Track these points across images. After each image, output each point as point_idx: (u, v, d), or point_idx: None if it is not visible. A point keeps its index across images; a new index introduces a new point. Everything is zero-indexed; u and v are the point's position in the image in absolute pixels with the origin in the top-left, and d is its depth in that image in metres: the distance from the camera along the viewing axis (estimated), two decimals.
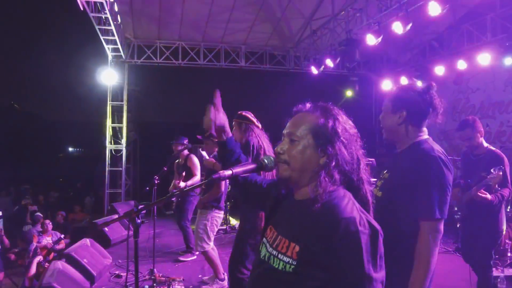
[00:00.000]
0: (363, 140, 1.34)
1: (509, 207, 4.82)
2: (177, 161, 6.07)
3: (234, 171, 1.28)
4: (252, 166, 1.34)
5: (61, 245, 6.11)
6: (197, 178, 5.75)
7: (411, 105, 2.02)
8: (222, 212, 4.71)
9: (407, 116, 2.03)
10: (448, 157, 1.98)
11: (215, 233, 4.69)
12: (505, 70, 7.76)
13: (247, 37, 9.99)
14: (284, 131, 1.35)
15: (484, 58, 7.80)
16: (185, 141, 5.94)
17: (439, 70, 9.27)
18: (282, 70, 10.83)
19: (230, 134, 1.69)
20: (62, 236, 6.34)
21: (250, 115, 3.58)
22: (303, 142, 1.27)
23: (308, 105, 1.35)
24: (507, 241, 4.86)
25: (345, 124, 1.30)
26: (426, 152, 1.94)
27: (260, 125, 3.61)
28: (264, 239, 1.39)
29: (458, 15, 8.95)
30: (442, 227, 1.87)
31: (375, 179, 2.28)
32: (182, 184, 5.63)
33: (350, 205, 1.19)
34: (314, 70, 9.22)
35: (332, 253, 1.13)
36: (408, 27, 6.20)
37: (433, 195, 1.85)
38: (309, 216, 1.21)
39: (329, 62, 8.53)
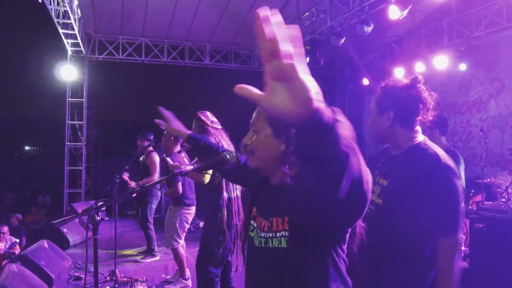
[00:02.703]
0: None
1: (463, 204, 5.05)
2: (141, 157, 5.93)
3: (195, 166, 1.28)
4: (214, 161, 1.34)
5: (16, 251, 5.83)
6: (154, 178, 5.58)
7: (397, 104, 1.84)
8: (193, 207, 4.65)
9: (395, 117, 1.85)
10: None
11: (185, 230, 4.63)
12: (460, 73, 8.14)
13: (212, 35, 9.93)
14: (251, 122, 1.39)
15: (440, 61, 8.15)
16: (151, 137, 5.80)
17: (399, 72, 9.59)
18: (247, 69, 10.85)
19: (189, 131, 1.93)
20: (17, 240, 6.05)
21: (206, 116, 3.64)
22: (263, 132, 1.32)
23: None
24: (461, 235, 5.09)
25: None
26: (434, 161, 1.76)
27: (217, 125, 3.67)
28: (253, 228, 1.42)
29: (417, 19, 9.29)
30: (460, 238, 1.74)
31: None
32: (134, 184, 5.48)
33: None
34: None
35: None
36: (370, 29, 6.38)
37: (452, 210, 1.72)
38: (288, 191, 1.26)
39: None
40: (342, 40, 7.11)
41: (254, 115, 1.37)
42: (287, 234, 1.25)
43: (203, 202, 3.61)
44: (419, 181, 1.73)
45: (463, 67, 7.67)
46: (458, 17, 8.17)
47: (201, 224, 7.15)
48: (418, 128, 1.89)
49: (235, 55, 10.49)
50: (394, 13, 5.66)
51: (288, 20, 6.92)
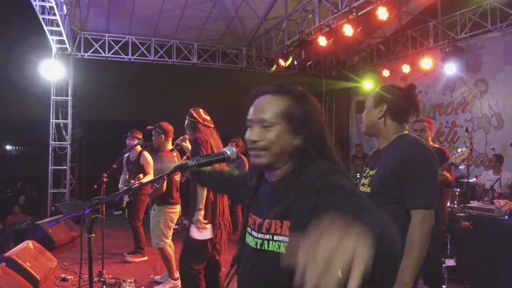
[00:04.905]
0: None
1: (448, 202, 5.12)
2: (127, 155, 5.85)
3: (198, 162, 1.26)
4: (215, 157, 1.33)
5: None
6: (150, 177, 5.56)
7: (392, 100, 2.06)
8: (177, 206, 4.60)
9: (387, 109, 2.07)
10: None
11: (171, 229, 4.59)
12: (445, 74, 8.26)
13: (200, 34, 9.88)
14: (251, 118, 1.33)
15: (426, 63, 8.28)
16: (140, 136, 5.74)
17: (385, 73, 9.70)
18: (234, 69, 10.82)
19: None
20: None
21: (198, 113, 3.68)
22: (277, 127, 1.28)
23: (271, 87, 1.35)
24: (447, 234, 5.17)
25: (311, 101, 1.35)
26: (414, 142, 1.99)
27: (209, 124, 3.71)
28: (248, 229, 1.39)
29: (403, 21, 9.42)
30: (433, 216, 1.89)
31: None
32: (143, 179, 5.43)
33: (327, 167, 1.27)
34: (267, 70, 9.32)
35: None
36: (358, 30, 6.43)
37: (426, 183, 1.89)
38: (293, 188, 1.24)
39: (281, 62, 8.66)
40: (331, 41, 7.15)
41: (257, 109, 1.32)
42: (287, 240, 1.22)
43: (188, 201, 3.61)
44: (400, 160, 1.93)
45: (448, 68, 7.78)
46: (443, 19, 8.30)
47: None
48: (406, 126, 2.14)
49: (223, 54, 10.45)
50: (383, 14, 5.70)
51: (276, 20, 6.97)
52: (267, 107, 1.31)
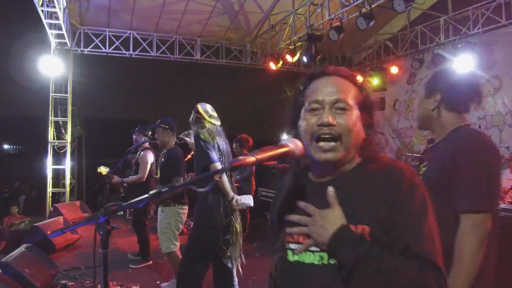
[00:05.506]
0: None
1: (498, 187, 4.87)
2: (139, 154, 5.55)
3: (257, 157, 0.98)
4: (278, 151, 1.03)
5: None
6: (141, 178, 5.24)
7: (447, 87, 1.78)
8: (186, 206, 4.34)
9: (441, 99, 1.79)
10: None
11: (179, 231, 4.32)
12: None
13: (203, 29, 9.60)
14: (324, 98, 1.10)
15: (438, 59, 8.03)
16: (149, 133, 5.43)
17: (394, 70, 9.46)
18: (238, 65, 10.55)
19: None
20: None
21: (205, 109, 3.54)
22: (353, 112, 1.09)
23: (344, 69, 1.17)
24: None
25: (373, 94, 1.22)
26: (470, 135, 1.71)
27: (215, 121, 3.57)
28: (291, 245, 1.14)
29: (412, 16, 9.18)
30: (489, 222, 1.57)
31: None
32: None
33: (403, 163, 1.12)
34: (273, 66, 9.07)
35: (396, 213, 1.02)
36: (372, 23, 6.16)
37: (480, 183, 1.58)
38: (365, 187, 1.07)
39: (288, 58, 8.40)
40: (341, 35, 6.89)
41: (333, 88, 1.11)
42: None
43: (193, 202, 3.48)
44: (451, 156, 1.66)
45: (460, 64, 7.52)
46: (455, 14, 8.05)
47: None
48: (466, 115, 1.82)
49: (227, 50, 10.18)
50: (400, 5, 5.43)
51: (282, 15, 6.69)
52: (343, 88, 1.11)
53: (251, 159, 0.97)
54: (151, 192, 1.20)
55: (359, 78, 1.18)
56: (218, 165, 3.30)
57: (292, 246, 1.13)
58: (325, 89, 1.11)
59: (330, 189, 1.06)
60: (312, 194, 1.14)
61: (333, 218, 1.04)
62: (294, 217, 1.12)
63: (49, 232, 5.73)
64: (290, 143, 1.06)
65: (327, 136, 1.07)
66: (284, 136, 1.16)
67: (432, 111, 1.83)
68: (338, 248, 1.01)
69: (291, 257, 1.13)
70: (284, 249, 1.15)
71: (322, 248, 1.06)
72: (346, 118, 1.08)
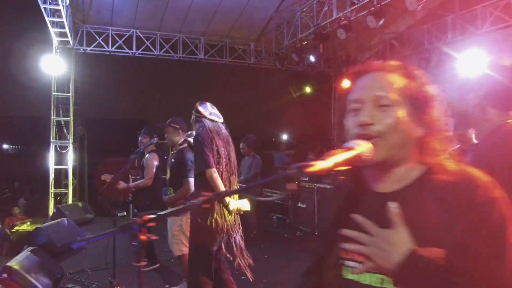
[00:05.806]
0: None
1: None
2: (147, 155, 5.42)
3: (334, 162, 0.85)
4: (350, 154, 0.90)
5: None
6: (145, 183, 5.10)
7: (491, 81, 1.66)
8: None
9: (484, 94, 1.68)
10: None
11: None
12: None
13: (207, 28, 9.49)
14: (361, 96, 1.01)
15: (446, 58, 7.94)
16: (155, 134, 5.30)
17: None
18: (242, 65, 10.44)
19: None
20: None
21: (204, 107, 3.44)
22: (398, 108, 0.98)
23: (384, 63, 1.06)
24: None
25: (431, 86, 1.04)
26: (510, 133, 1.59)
27: (217, 118, 3.45)
28: (349, 262, 1.02)
29: (418, 15, 9.08)
30: None
31: None
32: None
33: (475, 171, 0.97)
34: (278, 65, 8.98)
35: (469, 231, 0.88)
36: (381, 21, 6.07)
37: None
38: (433, 202, 0.93)
39: (294, 57, 8.30)
40: (349, 34, 6.79)
41: (372, 85, 1.01)
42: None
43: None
44: (489, 158, 1.56)
45: (467, 63, 7.42)
46: (462, 13, 7.96)
47: None
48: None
49: (230, 49, 10.07)
50: (412, 3, 5.33)
51: (287, 13, 6.58)
52: (384, 83, 1.00)
53: (328, 164, 0.83)
54: (195, 200, 1.06)
55: (411, 69, 1.05)
56: (215, 171, 3.20)
57: (351, 263, 1.01)
58: (365, 87, 1.02)
59: (393, 206, 0.92)
60: (370, 206, 1.01)
61: (398, 241, 0.90)
62: (351, 233, 0.97)
63: (53, 235, 5.62)
64: (361, 144, 0.93)
65: (364, 135, 0.97)
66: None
67: (474, 107, 1.73)
68: (409, 277, 0.88)
69: (347, 275, 1.02)
70: (339, 265, 1.04)
71: (384, 273, 0.94)
72: (388, 114, 0.97)
